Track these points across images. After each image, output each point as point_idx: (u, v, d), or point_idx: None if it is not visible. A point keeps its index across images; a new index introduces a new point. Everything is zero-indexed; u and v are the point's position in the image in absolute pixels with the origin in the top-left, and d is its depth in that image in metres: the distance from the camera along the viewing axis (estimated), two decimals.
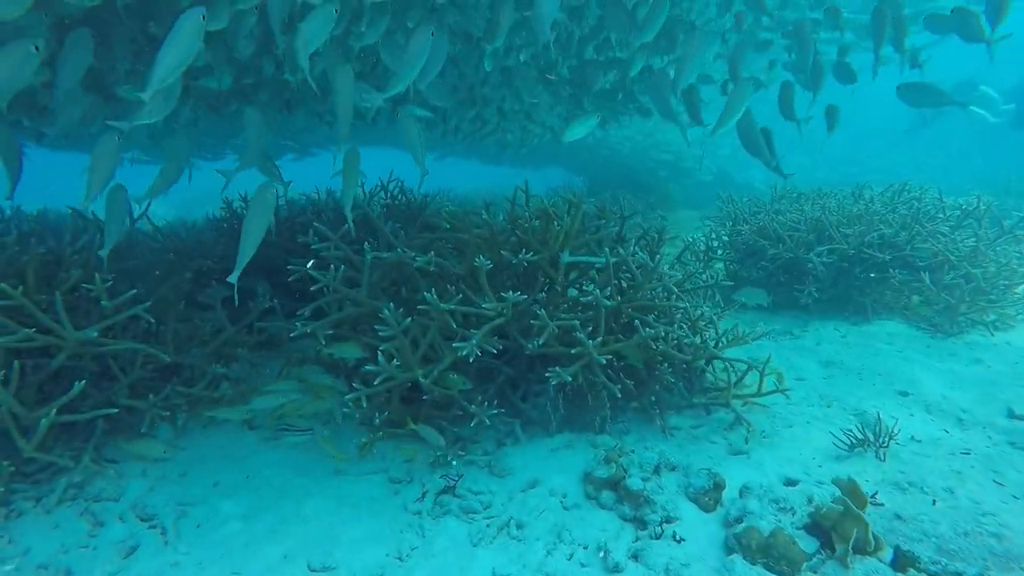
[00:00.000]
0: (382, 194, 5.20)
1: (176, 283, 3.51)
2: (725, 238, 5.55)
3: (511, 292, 2.63)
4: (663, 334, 2.81)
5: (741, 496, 2.33)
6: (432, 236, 3.14)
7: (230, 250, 4.06)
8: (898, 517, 2.14)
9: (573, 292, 3.29)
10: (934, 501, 2.23)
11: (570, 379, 2.63)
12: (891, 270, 4.63)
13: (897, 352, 3.95)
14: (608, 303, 2.70)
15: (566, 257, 2.99)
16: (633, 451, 2.55)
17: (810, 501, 2.23)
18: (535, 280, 3.09)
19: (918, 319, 4.49)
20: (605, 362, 2.63)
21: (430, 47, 2.86)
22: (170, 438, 2.94)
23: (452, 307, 2.58)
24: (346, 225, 2.83)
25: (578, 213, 3.02)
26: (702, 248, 5.59)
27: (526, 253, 2.86)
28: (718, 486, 2.37)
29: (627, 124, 12.85)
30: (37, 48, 2.36)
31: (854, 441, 2.69)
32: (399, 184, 5.31)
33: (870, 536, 1.88)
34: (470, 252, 2.98)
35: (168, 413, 2.92)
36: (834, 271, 4.83)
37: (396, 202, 5.16)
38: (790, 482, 2.49)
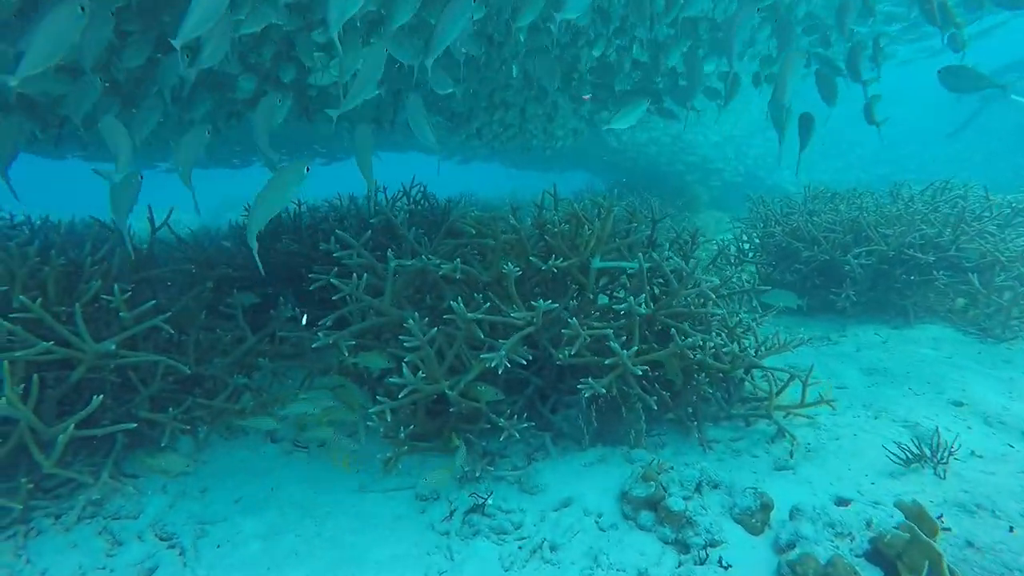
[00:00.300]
0: (404, 200, 5.11)
1: (198, 293, 3.44)
2: (757, 240, 5.35)
3: (540, 300, 2.50)
4: (700, 343, 2.65)
5: (792, 518, 2.16)
6: (457, 242, 3.02)
7: (252, 259, 4.01)
8: (970, 545, 1.95)
9: (604, 299, 3.15)
10: (1011, 528, 2.03)
11: (604, 391, 2.48)
12: (934, 272, 4.39)
13: (945, 358, 3.73)
14: (642, 310, 2.55)
15: (597, 263, 2.84)
16: (672, 468, 2.39)
17: (869, 525, 2.05)
18: (565, 287, 2.95)
19: (965, 323, 4.25)
20: (641, 373, 2.48)
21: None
22: (191, 451, 2.85)
23: (479, 316, 2.46)
24: (368, 232, 2.72)
25: (609, 217, 2.87)
26: (733, 251, 5.40)
27: (555, 259, 2.72)
28: (766, 507, 2.20)
29: (653, 126, 12.67)
30: (83, 9, 2.28)
31: (909, 456, 2.49)
32: (421, 189, 5.21)
33: (945, 569, 1.70)
34: (497, 259, 2.85)
35: (189, 427, 2.84)
36: (872, 273, 4.60)
37: (419, 207, 5.06)
38: (842, 501, 2.31)
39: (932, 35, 9.16)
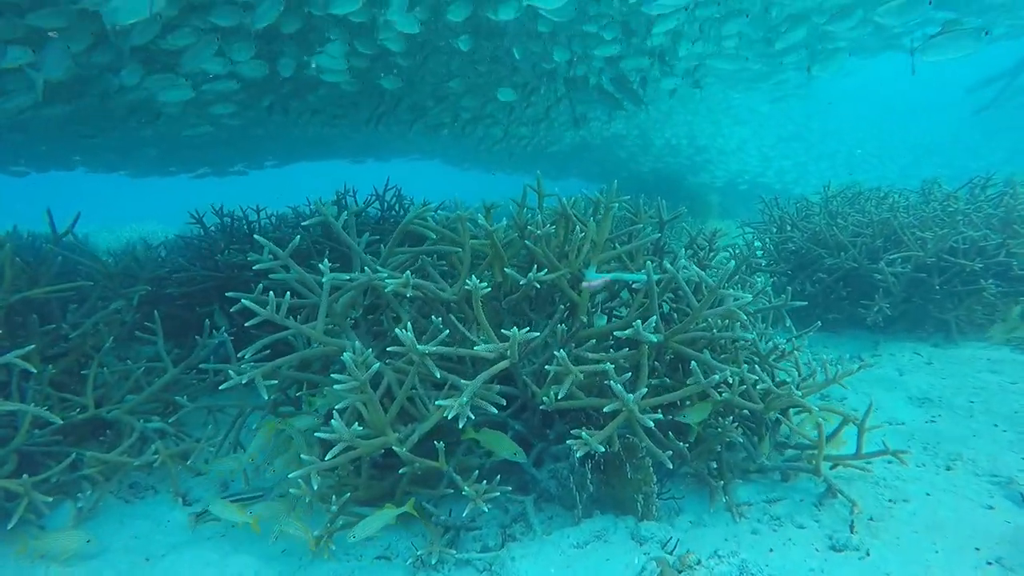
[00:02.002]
0: (377, 205, 4.43)
1: (109, 315, 2.75)
2: (771, 247, 4.67)
3: (516, 325, 1.82)
4: (730, 378, 1.96)
5: None
6: (417, 250, 2.34)
7: (195, 272, 3.26)
8: None
9: (602, 319, 2.46)
10: None
11: (603, 449, 1.79)
12: (981, 280, 3.71)
13: (1011, 384, 3.03)
14: (654, 338, 1.86)
15: (591, 274, 2.16)
16: (699, 561, 1.69)
17: None
18: (550, 306, 2.27)
19: (1021, 339, 3.57)
20: (653, 425, 1.79)
21: None
22: (69, 523, 2.15)
23: (432, 349, 1.76)
24: (295, 239, 2.03)
25: (608, 216, 2.19)
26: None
27: (539, 271, 2.04)
28: None
29: (671, 131, 12.17)
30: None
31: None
32: (396, 192, 4.54)
33: None
34: (464, 270, 2.17)
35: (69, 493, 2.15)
36: (906, 283, 3.92)
37: (392, 214, 4.38)
38: None
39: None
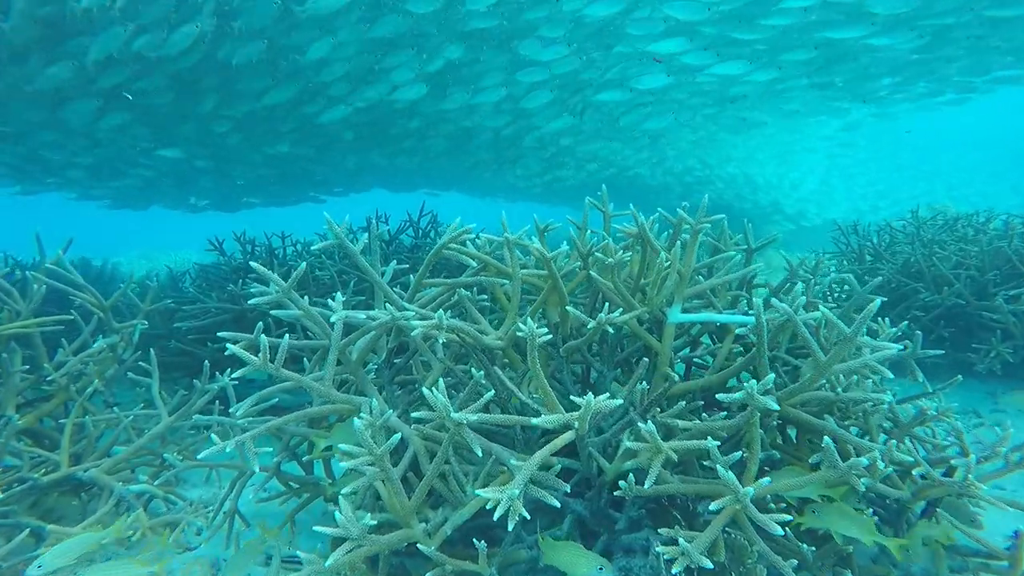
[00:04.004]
0: (410, 231, 4.03)
1: (98, 354, 2.36)
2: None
3: (575, 375, 1.31)
4: (879, 459, 1.40)
5: None
6: (453, 282, 1.85)
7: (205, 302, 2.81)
8: None
9: (679, 367, 1.93)
10: None
11: (710, 565, 1.25)
12: None
13: None
14: (773, 404, 1.32)
15: (676, 315, 1.64)
16: None
17: None
18: (616, 352, 1.76)
19: None
20: (785, 532, 1.24)
21: None
22: None
23: (473, 419, 1.27)
24: (301, 266, 1.57)
25: (695, 239, 1.68)
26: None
27: (610, 309, 1.54)
28: None
29: (729, 162, 11.82)
30: None
31: None
32: (432, 218, 4.12)
33: None
34: (510, 308, 1.68)
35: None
36: None
37: (427, 242, 3.96)
38: None
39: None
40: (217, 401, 2.36)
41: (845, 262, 4.39)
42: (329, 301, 1.57)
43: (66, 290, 2.29)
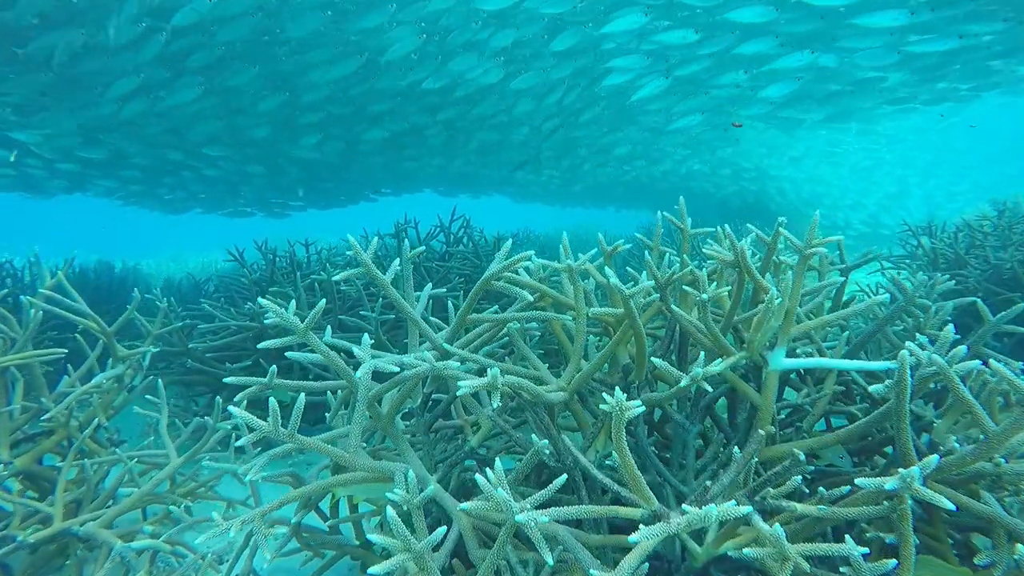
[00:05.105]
0: (441, 238, 3.73)
1: (101, 385, 2.12)
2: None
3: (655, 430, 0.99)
4: None
5: None
6: (502, 318, 1.52)
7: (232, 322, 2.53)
8: None
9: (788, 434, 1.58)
10: None
11: None
12: None
13: None
14: (946, 503, 0.98)
15: (780, 361, 1.30)
16: None
17: None
18: (698, 398, 1.42)
19: None
20: None
21: None
22: None
23: (544, 520, 0.95)
24: (320, 304, 1.27)
25: (803, 266, 1.33)
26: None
27: (705, 361, 1.21)
28: None
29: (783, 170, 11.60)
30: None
31: None
32: (464, 222, 3.82)
33: None
34: (573, 352, 1.36)
35: None
36: None
37: (459, 249, 3.65)
38: None
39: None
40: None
41: (925, 269, 3.95)
42: (354, 348, 1.27)
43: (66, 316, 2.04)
